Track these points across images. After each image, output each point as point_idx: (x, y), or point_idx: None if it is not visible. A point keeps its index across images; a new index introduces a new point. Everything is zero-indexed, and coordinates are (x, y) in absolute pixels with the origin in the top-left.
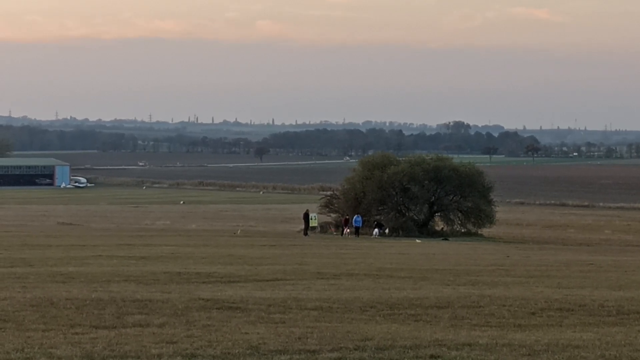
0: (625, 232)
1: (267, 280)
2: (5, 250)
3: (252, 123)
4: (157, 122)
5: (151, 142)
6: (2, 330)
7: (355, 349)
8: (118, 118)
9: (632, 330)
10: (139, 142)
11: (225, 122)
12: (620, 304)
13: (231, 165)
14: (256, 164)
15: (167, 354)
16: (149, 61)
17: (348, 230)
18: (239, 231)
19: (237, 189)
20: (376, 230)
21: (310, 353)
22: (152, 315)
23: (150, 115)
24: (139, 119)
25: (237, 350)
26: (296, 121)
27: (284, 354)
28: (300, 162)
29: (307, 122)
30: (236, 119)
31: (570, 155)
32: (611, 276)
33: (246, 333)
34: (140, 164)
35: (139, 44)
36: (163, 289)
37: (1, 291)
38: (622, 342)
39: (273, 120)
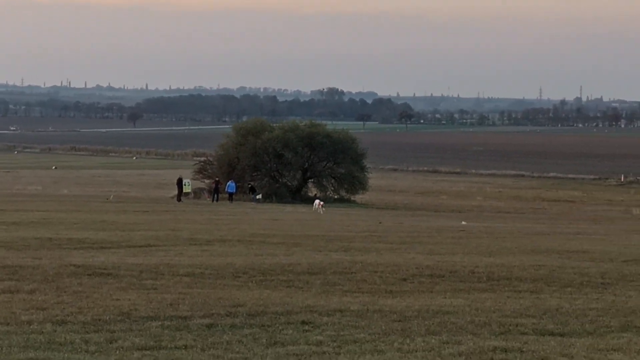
0: (496, 199)
1: (140, 247)
2: None
3: (126, 88)
4: (29, 86)
5: (23, 107)
6: None
7: (227, 315)
8: None
9: (502, 296)
10: (11, 106)
11: (98, 87)
12: (490, 270)
13: (104, 130)
14: (129, 129)
15: (37, 320)
16: (21, 24)
17: (321, 204)
18: (111, 197)
19: (110, 154)
20: (317, 201)
21: (181, 319)
22: (22, 281)
23: (22, 79)
24: (10, 83)
25: (108, 317)
26: (170, 86)
27: (155, 320)
28: (174, 128)
29: (182, 88)
30: (109, 83)
31: (443, 122)
32: (482, 243)
33: (117, 299)
34: (12, 128)
35: (11, 6)
36: (34, 254)
37: None
38: (492, 308)
39: (147, 85)
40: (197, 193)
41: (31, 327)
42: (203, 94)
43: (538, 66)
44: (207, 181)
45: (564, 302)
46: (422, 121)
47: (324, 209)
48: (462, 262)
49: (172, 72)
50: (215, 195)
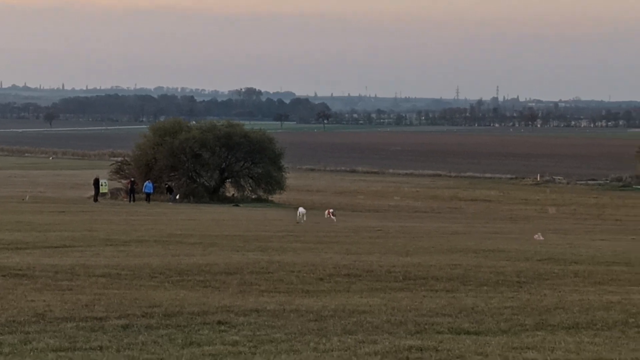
0: (413, 199)
1: (55, 247)
2: None
3: (42, 88)
4: None
5: None
6: None
7: (143, 316)
8: None
9: (418, 295)
10: None
11: (14, 87)
12: (407, 269)
13: (20, 130)
14: (46, 129)
15: None
16: None
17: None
18: (27, 197)
19: (26, 154)
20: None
21: (97, 320)
22: None
23: None
24: None
25: (22, 318)
26: (87, 86)
27: (70, 321)
28: (90, 128)
29: (98, 87)
30: (25, 83)
31: (361, 122)
32: (399, 242)
33: (32, 300)
34: None
35: None
36: None
37: None
38: (408, 307)
39: (63, 85)
40: (114, 193)
41: None
42: (120, 94)
43: (455, 66)
44: (124, 181)
45: (480, 301)
46: (326, 121)
47: (334, 217)
48: (378, 261)
49: (88, 72)
50: (132, 196)
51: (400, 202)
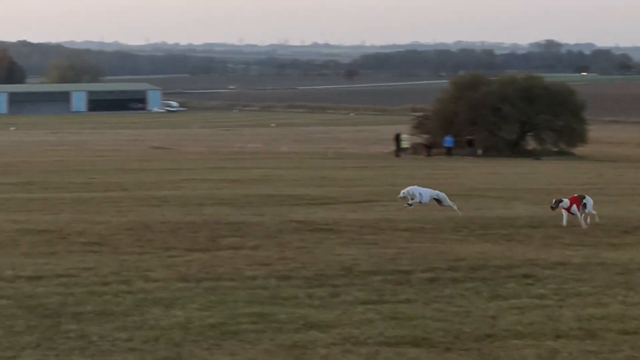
0: None
1: (359, 202)
2: (100, 174)
3: (342, 45)
4: (247, 45)
5: (241, 66)
6: (99, 253)
7: (448, 269)
8: (208, 42)
9: None
10: (229, 65)
11: (315, 44)
12: None
13: (321, 87)
14: (346, 85)
15: (261, 275)
16: None
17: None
18: (330, 153)
19: (328, 111)
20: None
21: (402, 273)
22: (245, 237)
23: (240, 39)
24: (229, 43)
25: (330, 272)
26: (386, 42)
27: (376, 274)
28: (390, 83)
29: (397, 43)
30: (326, 40)
31: None
32: None
33: (339, 255)
34: (231, 87)
35: None
36: (256, 211)
37: (97, 215)
38: None
39: (364, 41)
40: (414, 148)
41: (255, 282)
42: (419, 49)
43: None
44: (424, 136)
45: None
46: (628, 72)
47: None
48: None
49: (388, 28)
50: (429, 151)
51: None
